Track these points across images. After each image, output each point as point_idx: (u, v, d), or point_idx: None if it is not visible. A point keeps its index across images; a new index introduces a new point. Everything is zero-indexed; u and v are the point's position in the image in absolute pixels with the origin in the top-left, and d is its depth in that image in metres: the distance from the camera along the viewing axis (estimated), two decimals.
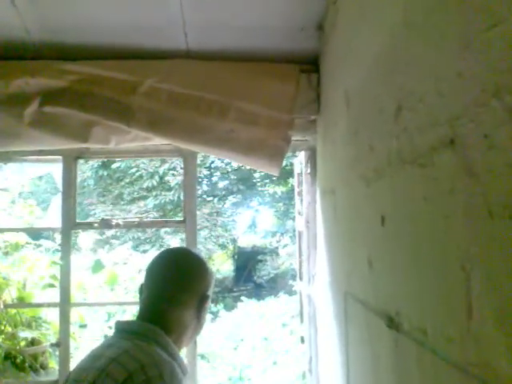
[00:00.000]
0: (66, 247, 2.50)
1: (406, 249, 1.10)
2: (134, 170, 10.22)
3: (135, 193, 10.64)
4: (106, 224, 2.56)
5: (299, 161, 2.91)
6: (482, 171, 0.73)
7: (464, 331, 0.80)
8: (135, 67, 2.33)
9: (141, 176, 10.29)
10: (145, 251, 9.95)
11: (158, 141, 2.38)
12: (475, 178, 0.75)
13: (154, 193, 10.38)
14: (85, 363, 1.26)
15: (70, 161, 2.50)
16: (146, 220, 2.67)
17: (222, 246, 13.12)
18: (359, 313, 1.58)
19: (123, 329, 1.32)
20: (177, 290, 1.38)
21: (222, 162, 12.43)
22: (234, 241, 13.97)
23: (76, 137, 2.30)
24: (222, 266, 14.78)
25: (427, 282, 0.97)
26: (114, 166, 10.34)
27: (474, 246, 0.76)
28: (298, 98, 2.37)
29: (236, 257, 14.57)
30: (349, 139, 1.74)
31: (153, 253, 9.54)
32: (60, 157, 2.50)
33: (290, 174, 3.44)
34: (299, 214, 2.97)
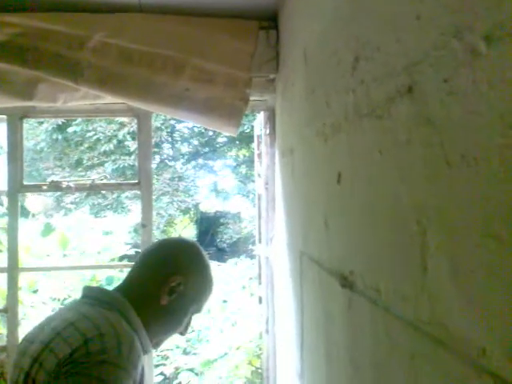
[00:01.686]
0: (13, 210, 2.38)
1: (361, 206, 1.07)
2: (91, 133, 9.91)
3: (95, 158, 10.36)
4: (55, 186, 2.45)
5: (259, 122, 2.85)
6: (440, 119, 0.68)
7: (418, 289, 0.78)
8: (83, 21, 2.18)
9: (98, 139, 10.00)
10: (105, 217, 9.75)
11: (109, 99, 2.26)
12: (433, 127, 0.70)
13: (112, 157, 10.12)
14: (42, 323, 1.22)
15: (15, 120, 2.36)
16: (98, 182, 2.56)
17: (184, 212, 13.03)
18: (314, 273, 1.56)
19: (87, 294, 1.27)
20: (147, 263, 1.35)
21: (187, 126, 12.25)
22: (196, 206, 13.90)
23: (20, 94, 2.16)
24: (184, 231, 14.73)
25: (381, 240, 0.94)
26: (70, 129, 10.00)
27: (430, 199, 0.72)
28: (257, 56, 2.29)
29: (198, 222, 14.54)
30: (306, 97, 1.69)
31: (112, 218, 9.38)
32: (4, 116, 2.35)
33: (253, 138, 3.39)
34: (259, 176, 2.93)
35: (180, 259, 1.34)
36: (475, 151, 0.60)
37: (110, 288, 1.35)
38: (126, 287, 1.30)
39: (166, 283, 1.28)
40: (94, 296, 1.24)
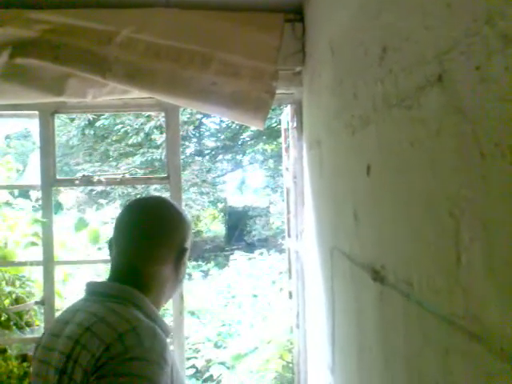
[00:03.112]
0: (47, 205, 2.43)
1: (392, 198, 1.05)
2: (119, 126, 10.04)
3: (121, 149, 10.51)
4: (87, 181, 2.49)
5: (286, 115, 2.83)
6: (473, 107, 0.67)
7: (452, 282, 0.76)
8: (110, 16, 2.21)
9: (126, 132, 10.12)
10: None
11: (137, 94, 2.28)
12: (464, 116, 0.69)
13: (141, 150, 10.24)
14: (55, 329, 1.17)
15: (47, 116, 2.40)
16: (128, 177, 2.59)
17: (213, 203, 13.09)
18: (345, 267, 1.55)
19: (94, 291, 1.20)
20: (152, 244, 1.23)
21: (213, 121, 12.31)
22: (224, 200, 13.96)
23: (51, 90, 2.20)
24: (212, 225, 14.83)
25: (413, 233, 0.93)
26: (98, 123, 10.15)
27: (464, 190, 0.70)
28: (283, 49, 2.27)
29: (227, 216, 14.60)
30: (334, 89, 1.67)
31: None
32: (36, 112, 2.40)
33: (280, 132, 3.38)
34: (287, 170, 2.92)
35: (180, 230, 1.27)
36: (510, 140, 0.58)
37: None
38: (133, 275, 1.21)
39: (180, 261, 1.26)
40: (102, 292, 1.18)
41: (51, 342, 1.14)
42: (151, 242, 1.23)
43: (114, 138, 10.49)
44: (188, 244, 1.29)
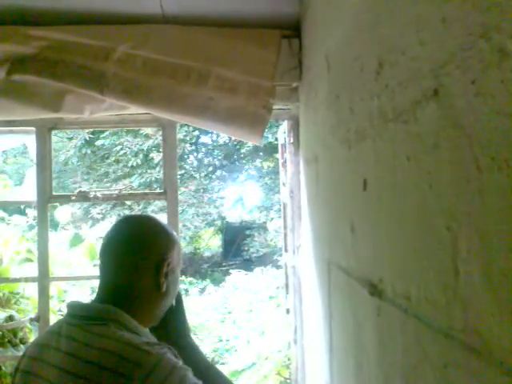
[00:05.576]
0: (43, 221, 2.42)
1: (389, 212, 1.05)
2: (118, 147, 10.04)
3: (119, 171, 10.51)
4: (83, 197, 2.49)
5: (283, 131, 2.85)
6: (469, 121, 0.67)
7: (450, 295, 0.76)
8: (108, 33, 2.23)
9: (125, 154, 10.13)
10: None
11: (134, 110, 2.29)
12: (461, 130, 0.69)
13: (139, 171, 10.24)
14: (36, 352, 1.15)
15: (44, 132, 2.41)
16: (124, 192, 2.59)
17: (210, 224, 13.07)
18: (342, 281, 1.55)
19: (75, 314, 1.17)
20: (124, 258, 1.21)
21: (211, 138, 12.33)
22: (221, 217, 13.92)
23: (48, 106, 2.21)
24: (210, 242, 14.80)
25: (411, 246, 0.93)
26: (97, 143, 10.16)
27: (460, 204, 0.71)
28: (279, 65, 2.29)
29: (224, 232, 14.55)
30: (330, 104, 1.68)
31: None
32: (33, 128, 2.41)
33: (276, 148, 3.37)
34: (284, 185, 2.92)
35: (158, 241, 1.25)
36: (506, 153, 0.58)
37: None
38: (111, 293, 1.19)
39: (160, 273, 1.22)
40: (83, 315, 1.15)
41: (32, 367, 1.12)
42: (124, 256, 1.21)
43: (113, 159, 10.49)
44: (169, 256, 1.25)
